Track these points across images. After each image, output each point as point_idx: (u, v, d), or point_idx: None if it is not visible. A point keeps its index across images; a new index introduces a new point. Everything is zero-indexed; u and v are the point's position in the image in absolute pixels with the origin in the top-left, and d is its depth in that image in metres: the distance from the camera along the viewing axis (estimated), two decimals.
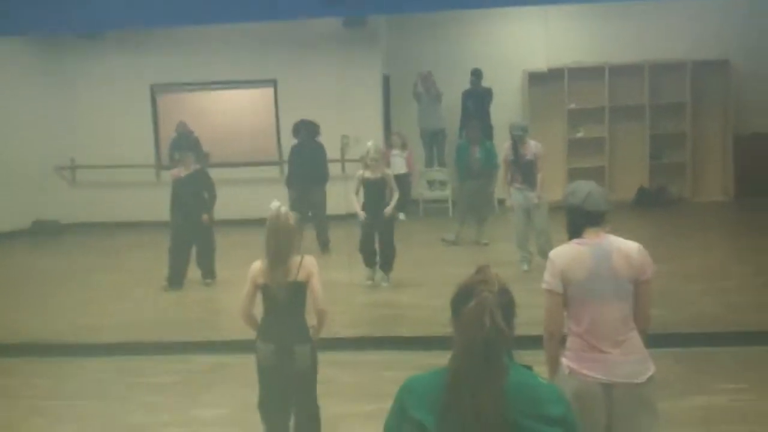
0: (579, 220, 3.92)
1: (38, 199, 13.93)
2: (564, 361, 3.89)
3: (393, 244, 9.33)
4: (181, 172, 9.61)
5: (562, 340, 3.93)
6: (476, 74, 13.93)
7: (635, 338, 3.84)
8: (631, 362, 3.80)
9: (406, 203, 13.42)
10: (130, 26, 10.66)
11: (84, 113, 14.22)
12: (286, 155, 12.28)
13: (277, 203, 4.74)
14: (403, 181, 12.65)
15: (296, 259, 4.70)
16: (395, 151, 13.32)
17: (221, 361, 7.20)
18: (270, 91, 14.28)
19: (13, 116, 13.53)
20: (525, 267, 9.62)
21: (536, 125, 12.44)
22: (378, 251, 9.32)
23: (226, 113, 15.14)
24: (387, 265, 9.33)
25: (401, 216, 13.41)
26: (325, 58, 13.83)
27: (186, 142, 12.81)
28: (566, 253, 3.90)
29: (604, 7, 12.77)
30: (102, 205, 14.05)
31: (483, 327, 2.38)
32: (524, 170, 9.49)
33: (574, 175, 13.85)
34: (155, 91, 14.47)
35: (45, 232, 13.73)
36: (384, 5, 8.25)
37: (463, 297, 2.54)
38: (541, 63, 14.36)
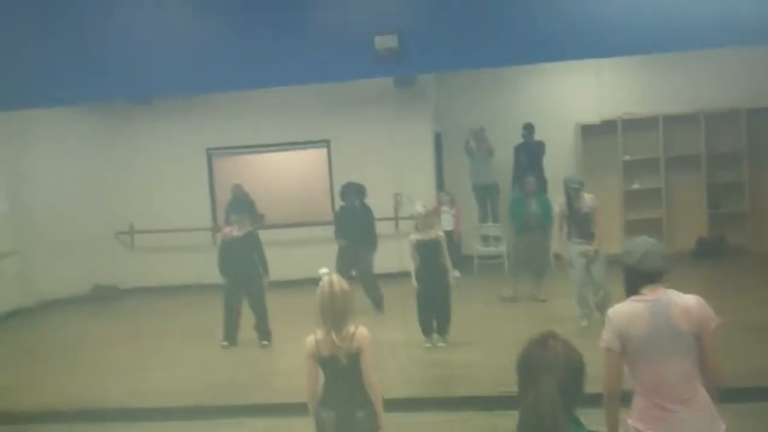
0: (636, 280, 3.86)
1: (98, 265, 14.16)
2: (630, 422, 3.78)
3: (449, 305, 9.21)
4: (233, 231, 9.75)
5: (622, 399, 3.83)
6: (528, 128, 13.90)
7: (702, 395, 3.72)
8: (699, 420, 3.67)
9: (457, 260, 13.32)
10: (185, 92, 10.90)
11: (141, 178, 14.48)
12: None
13: (326, 270, 4.70)
14: (450, 238, 12.61)
15: (350, 328, 4.62)
16: (444, 208, 13.28)
17: (275, 424, 7.15)
18: (323, 151, 14.41)
19: (72, 183, 13.88)
20: (584, 323, 9.44)
21: (590, 178, 12.31)
22: (434, 314, 9.19)
23: (281, 174, 15.30)
24: (443, 327, 9.20)
25: (456, 274, 13.29)
26: (376, 117, 13.94)
27: (241, 205, 12.96)
28: (624, 310, 3.82)
29: (655, 57, 12.68)
30: (160, 269, 14.22)
31: (542, 421, 2.35)
32: (580, 224, 9.37)
33: (631, 227, 13.65)
34: (211, 154, 14.70)
35: (104, 297, 13.92)
36: (436, 64, 8.30)
37: (524, 377, 2.53)
38: (593, 115, 14.27)
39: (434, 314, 9.18)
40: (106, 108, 13.96)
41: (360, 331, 4.66)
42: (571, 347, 2.60)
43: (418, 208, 9.20)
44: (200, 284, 12.94)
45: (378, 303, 11.18)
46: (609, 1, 7.24)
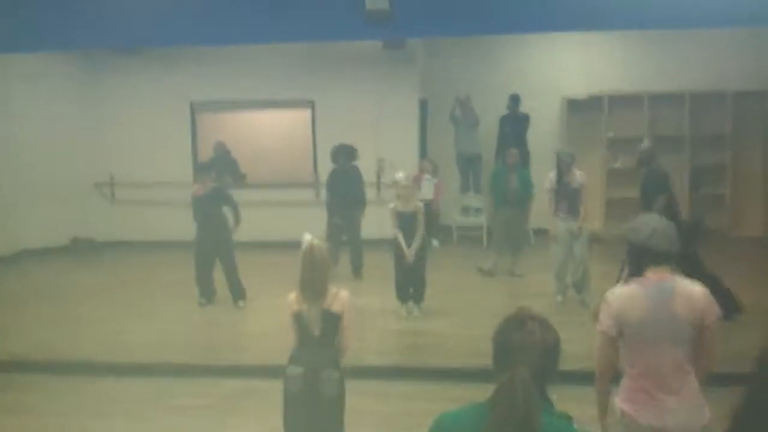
0: (641, 259, 3.74)
1: (77, 216, 14.05)
2: (617, 401, 3.77)
3: (424, 274, 9.27)
4: (200, 190, 9.74)
5: (613, 379, 3.82)
6: (514, 99, 13.85)
7: (692, 385, 3.69)
8: (686, 410, 3.66)
9: (436, 230, 13.36)
10: (168, 43, 10.73)
11: (123, 130, 14.32)
12: (322, 177, 12.28)
13: (309, 236, 4.76)
14: (430, 207, 12.62)
15: (332, 290, 4.74)
16: (426, 176, 13.24)
17: (250, 386, 7.15)
18: (307, 112, 14.30)
19: (52, 133, 13.70)
20: (559, 298, 9.47)
21: (574, 153, 12.30)
22: (410, 281, 9.25)
23: (264, 134, 15.19)
24: (418, 296, 9.26)
25: (435, 243, 13.34)
26: (363, 79, 13.83)
27: (223, 163, 12.87)
28: (623, 294, 3.74)
29: (644, 34, 12.64)
30: (140, 224, 14.12)
31: (515, 403, 2.34)
32: (569, 199, 9.33)
33: (611, 205, 13.68)
34: (195, 109, 14.56)
35: (82, 249, 13.82)
36: (428, 28, 8.21)
37: (499, 357, 2.54)
38: (580, 90, 14.24)
39: (411, 282, 9.20)
40: (90, 56, 13.77)
41: (342, 293, 4.77)
42: (548, 327, 2.58)
43: (400, 177, 9.18)
44: (180, 240, 12.88)
45: (357, 270, 11.18)
46: None
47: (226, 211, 9.88)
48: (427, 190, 13.05)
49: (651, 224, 3.78)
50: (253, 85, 13.94)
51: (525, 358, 2.44)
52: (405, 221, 8.99)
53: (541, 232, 11.56)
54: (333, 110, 13.86)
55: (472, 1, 7.35)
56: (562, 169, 9.31)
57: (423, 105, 14.59)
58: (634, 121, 14.21)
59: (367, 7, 7.39)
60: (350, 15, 7.47)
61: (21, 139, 13.44)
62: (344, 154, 11.28)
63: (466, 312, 9.20)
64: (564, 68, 14.43)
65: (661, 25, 8.17)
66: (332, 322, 4.70)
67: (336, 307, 4.69)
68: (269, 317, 8.42)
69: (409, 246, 8.99)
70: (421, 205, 9.25)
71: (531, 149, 13.48)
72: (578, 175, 9.34)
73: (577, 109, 14.28)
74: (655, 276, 3.70)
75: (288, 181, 14.08)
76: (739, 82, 13.74)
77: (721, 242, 13.35)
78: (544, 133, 13.94)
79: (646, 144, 9.89)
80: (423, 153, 14.42)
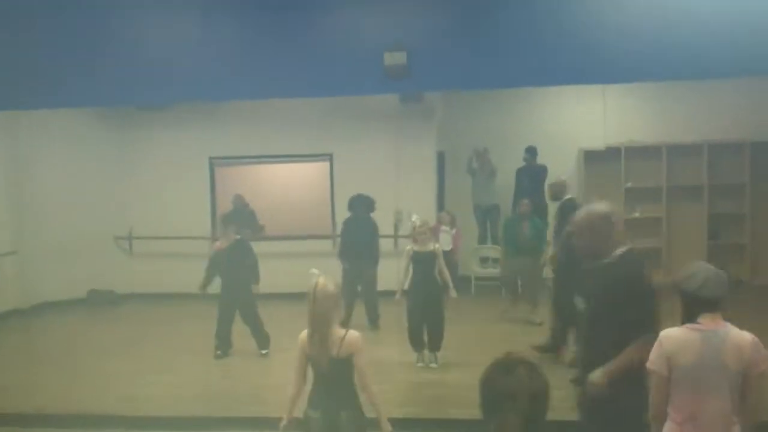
0: (694, 307, 3.77)
1: (96, 269, 14.13)
2: None
3: (442, 322, 9.14)
4: (223, 243, 9.80)
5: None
6: (531, 151, 13.91)
7: None
8: None
9: (454, 280, 13.32)
10: (195, 100, 10.91)
11: (143, 184, 14.49)
12: (339, 229, 12.32)
13: (316, 271, 4.74)
14: (449, 257, 12.63)
15: (340, 332, 4.67)
16: (444, 228, 13.26)
17: None
18: (326, 164, 14.41)
19: (73, 186, 13.87)
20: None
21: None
22: (426, 331, 9.12)
23: (283, 186, 15.29)
24: (435, 344, 9.13)
25: (452, 293, 13.28)
26: (381, 132, 13.95)
27: (241, 216, 12.95)
28: (677, 336, 3.75)
29: (662, 86, 12.70)
30: (158, 276, 14.18)
31: None
32: None
33: None
34: (214, 163, 14.70)
35: (101, 301, 13.88)
36: (444, 82, 8.29)
37: (487, 403, 2.50)
38: (597, 141, 14.29)
39: (426, 329, 9.08)
40: (114, 112, 13.98)
41: (351, 334, 4.71)
42: (537, 374, 2.53)
43: (415, 219, 9.19)
44: (198, 293, 12.93)
45: (374, 321, 11.15)
46: (618, 27, 7.25)
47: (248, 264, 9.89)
48: (445, 242, 13.06)
49: (704, 272, 3.82)
50: (272, 139, 14.09)
51: (513, 405, 2.39)
52: (422, 262, 8.95)
53: None
54: (351, 163, 13.95)
55: (488, 55, 7.44)
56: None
57: (440, 157, 14.67)
58: (652, 172, 14.24)
59: (385, 62, 7.50)
60: (368, 70, 7.57)
61: (42, 191, 13.61)
62: (361, 204, 11.32)
63: (483, 363, 9.11)
64: (581, 120, 14.51)
65: (676, 76, 8.21)
66: (342, 365, 4.66)
67: (343, 352, 4.63)
68: (287, 369, 8.38)
69: (424, 290, 8.92)
70: (439, 246, 9.24)
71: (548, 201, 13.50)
72: None
73: (595, 159, 14.32)
74: (708, 322, 3.70)
75: (306, 232, 14.13)
76: (757, 132, 13.76)
77: (742, 291, 13.25)
78: None
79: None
80: (441, 204, 14.46)
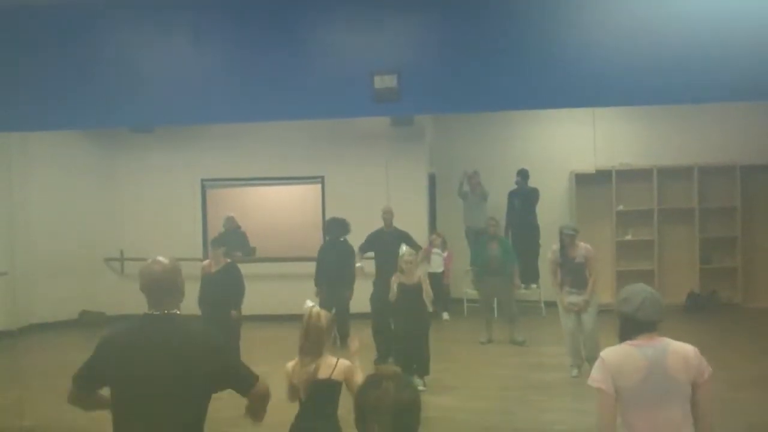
0: (631, 328, 3.79)
1: (86, 290, 14.09)
2: None
3: (428, 347, 9.13)
4: (213, 266, 9.70)
5: None
6: (522, 174, 13.95)
7: None
8: None
9: (446, 302, 13.39)
10: (184, 122, 10.91)
11: (134, 206, 14.48)
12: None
13: (310, 303, 4.82)
14: (440, 280, 12.74)
15: (329, 359, 4.73)
16: (435, 250, 13.32)
17: None
18: (317, 187, 14.42)
19: (66, 207, 13.87)
20: (575, 372, 9.36)
21: (584, 227, 12.31)
22: (412, 355, 9.06)
23: (274, 209, 15.29)
24: (423, 368, 9.08)
25: (445, 315, 13.31)
26: (372, 155, 13.98)
27: (233, 238, 12.93)
28: (618, 352, 3.76)
29: (652, 109, 12.78)
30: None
31: None
32: (573, 273, 9.33)
33: (622, 277, 13.63)
34: (205, 185, 14.70)
35: (91, 322, 13.82)
36: (435, 105, 8.32)
37: (359, 418, 2.55)
38: (588, 164, 14.34)
39: (412, 356, 9.05)
40: (105, 134, 13.99)
41: (341, 363, 4.74)
42: (405, 388, 2.56)
43: (404, 252, 9.25)
44: (189, 315, 12.87)
45: (344, 338, 11.02)
46: (610, 51, 7.28)
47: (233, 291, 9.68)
48: (436, 263, 13.12)
49: (641, 295, 3.82)
50: (264, 162, 14.11)
51: (378, 417, 2.44)
52: (408, 294, 8.96)
53: (552, 304, 11.51)
54: (343, 185, 13.98)
55: (478, 79, 7.47)
56: (565, 242, 9.34)
57: (431, 179, 14.71)
58: (643, 194, 14.28)
59: (375, 85, 7.53)
60: (359, 93, 7.59)
61: (33, 212, 13.60)
62: (336, 227, 11.22)
63: (475, 385, 9.12)
64: (572, 143, 14.56)
65: (667, 101, 8.26)
66: (330, 390, 4.66)
67: (337, 375, 4.65)
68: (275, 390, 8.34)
69: (411, 320, 8.94)
70: (423, 275, 9.25)
71: (540, 223, 13.54)
72: (583, 248, 9.34)
73: (586, 182, 14.36)
74: (646, 339, 3.74)
75: (297, 254, 14.12)
76: (748, 155, 13.84)
77: (735, 314, 13.30)
78: (554, 208, 14.00)
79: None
80: (432, 226, 14.48)
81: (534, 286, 13.64)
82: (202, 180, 14.63)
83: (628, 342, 3.77)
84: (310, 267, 13.30)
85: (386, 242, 10.65)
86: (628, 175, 14.28)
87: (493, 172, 14.21)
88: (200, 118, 9.16)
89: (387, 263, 9.99)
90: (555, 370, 9.21)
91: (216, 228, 14.00)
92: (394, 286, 8.99)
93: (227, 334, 9.63)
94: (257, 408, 3.83)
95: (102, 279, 14.50)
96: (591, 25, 7.35)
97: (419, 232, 13.28)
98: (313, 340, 4.73)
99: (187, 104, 8.12)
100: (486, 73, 7.46)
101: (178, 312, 3.96)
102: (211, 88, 7.98)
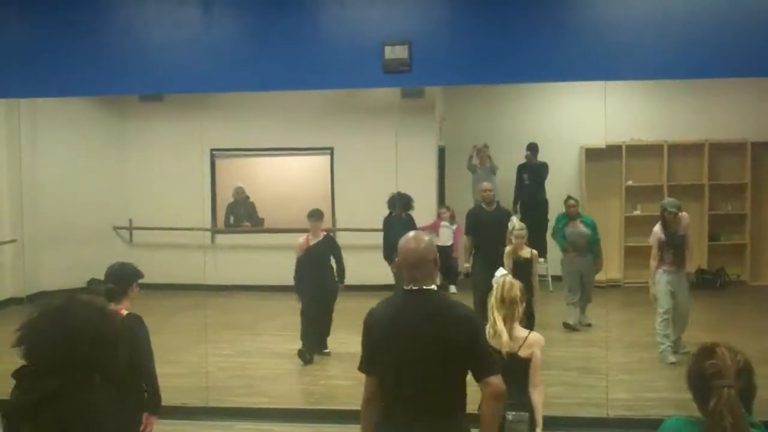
0: None
1: (95, 259, 14.08)
2: None
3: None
4: (309, 240, 9.62)
5: None
6: (532, 149, 13.87)
7: None
8: None
9: (453, 276, 13.35)
10: (195, 90, 10.87)
11: (144, 174, 14.47)
12: (339, 222, 12.28)
13: (503, 271, 4.93)
14: (448, 252, 12.69)
15: (522, 332, 5.04)
16: (444, 223, 13.30)
17: (263, 429, 7.11)
18: (326, 158, 14.38)
19: (74, 175, 13.87)
20: (672, 359, 8.94)
21: (592, 201, 12.30)
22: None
23: (283, 179, 15.26)
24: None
25: (452, 289, 13.30)
26: (381, 127, 13.86)
27: (242, 207, 12.94)
28: None
29: (664, 84, 12.67)
30: (157, 267, 14.07)
31: (725, 425, 2.60)
32: (675, 247, 9.08)
33: (630, 252, 13.61)
34: (214, 155, 14.68)
35: (99, 291, 13.82)
36: (446, 77, 8.28)
37: (698, 389, 2.78)
38: (598, 139, 14.23)
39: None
40: (114, 102, 13.95)
41: (532, 335, 5.09)
42: (735, 352, 2.84)
43: (514, 224, 9.43)
44: (197, 284, 12.90)
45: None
46: (622, 23, 7.23)
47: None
48: (445, 237, 13.09)
49: None
50: (272, 132, 14.06)
51: (724, 381, 2.67)
52: (520, 268, 8.93)
53: (557, 279, 11.50)
54: (352, 157, 13.93)
55: (490, 51, 7.43)
56: (668, 219, 9.08)
57: (441, 152, 14.64)
58: (652, 170, 14.20)
59: (385, 56, 7.49)
60: (369, 63, 7.56)
61: (42, 180, 13.60)
62: (400, 201, 11.47)
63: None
64: (582, 118, 14.42)
65: (679, 75, 8.19)
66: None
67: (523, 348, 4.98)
68: (282, 360, 8.39)
69: None
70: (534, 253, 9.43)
71: (549, 197, 13.49)
72: (685, 219, 9.14)
73: (596, 157, 14.28)
74: None
75: (306, 226, 14.09)
76: (759, 132, 13.73)
77: (742, 292, 13.27)
78: (563, 182, 13.93)
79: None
80: (441, 200, 14.44)
81: (542, 260, 13.60)
82: (212, 149, 14.59)
83: None
84: None
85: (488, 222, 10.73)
86: (638, 151, 14.20)
87: (503, 146, 14.14)
88: (209, 87, 9.14)
89: (489, 241, 9.99)
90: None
91: (225, 198, 13.99)
92: (509, 261, 8.94)
93: (333, 307, 9.65)
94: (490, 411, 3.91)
95: (111, 247, 14.51)
96: None
97: (428, 205, 13.28)
98: (507, 310, 4.86)
99: (197, 73, 8.12)
100: (499, 45, 7.43)
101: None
102: (220, 57, 7.96)
